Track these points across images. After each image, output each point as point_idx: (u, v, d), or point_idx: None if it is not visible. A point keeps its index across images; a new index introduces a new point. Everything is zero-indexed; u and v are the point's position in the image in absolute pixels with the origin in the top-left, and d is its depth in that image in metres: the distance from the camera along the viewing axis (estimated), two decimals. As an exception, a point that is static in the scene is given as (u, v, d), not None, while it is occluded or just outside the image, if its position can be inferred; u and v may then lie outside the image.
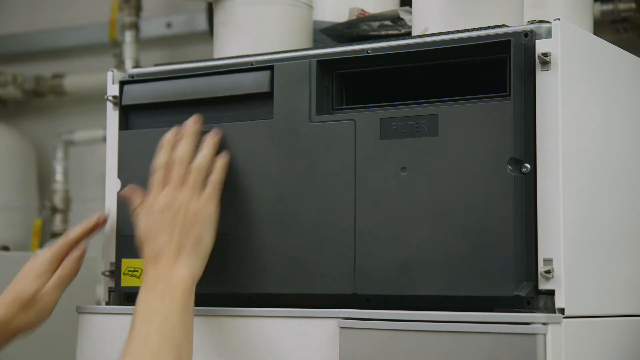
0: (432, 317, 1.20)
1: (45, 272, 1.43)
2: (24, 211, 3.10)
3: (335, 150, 1.31)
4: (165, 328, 1.22)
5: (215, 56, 1.54)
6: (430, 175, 1.25)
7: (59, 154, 3.08)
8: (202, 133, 1.41)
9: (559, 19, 1.23)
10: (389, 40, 1.34)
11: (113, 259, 1.47)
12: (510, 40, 1.22)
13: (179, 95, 1.44)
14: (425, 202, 1.25)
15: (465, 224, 1.22)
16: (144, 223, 1.32)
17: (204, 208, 1.32)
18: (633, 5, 2.16)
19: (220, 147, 1.38)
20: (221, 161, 1.36)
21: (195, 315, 1.35)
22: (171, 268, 1.28)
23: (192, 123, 1.38)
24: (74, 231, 1.46)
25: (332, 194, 1.31)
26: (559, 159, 1.21)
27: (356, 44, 1.36)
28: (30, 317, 1.41)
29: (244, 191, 1.36)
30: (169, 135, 1.38)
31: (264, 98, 1.38)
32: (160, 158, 1.36)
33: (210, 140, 1.37)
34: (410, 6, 1.44)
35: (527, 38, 1.23)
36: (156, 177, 1.35)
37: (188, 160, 1.35)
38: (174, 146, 1.37)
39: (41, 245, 2.97)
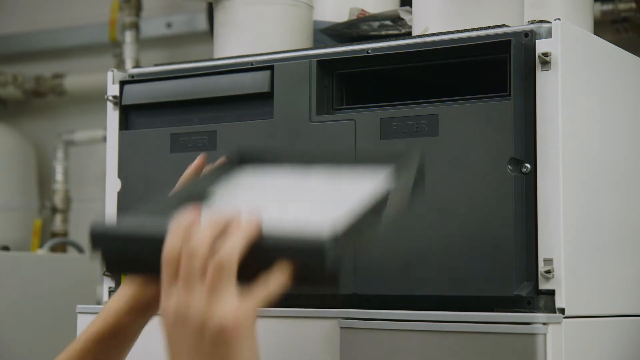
0: (432, 317, 1.20)
1: None
2: (24, 211, 3.10)
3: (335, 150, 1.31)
4: None
5: (215, 56, 1.54)
6: (430, 175, 1.25)
7: (59, 154, 3.09)
8: (202, 133, 1.41)
9: (559, 19, 1.23)
10: (389, 40, 1.34)
11: (113, 259, 1.47)
12: (510, 40, 1.22)
13: (179, 95, 1.44)
14: (425, 202, 1.25)
15: (465, 224, 1.22)
16: (165, 335, 0.94)
17: (234, 320, 0.90)
18: (633, 5, 2.16)
19: (220, 148, 1.38)
20: (282, 270, 0.92)
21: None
22: None
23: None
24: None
25: (332, 194, 1.31)
26: (559, 159, 1.21)
27: (356, 44, 1.36)
28: None
29: None
30: (184, 221, 0.94)
31: (264, 98, 1.38)
32: (171, 243, 0.93)
33: (247, 229, 0.93)
34: (410, 6, 1.44)
35: (527, 38, 1.23)
36: (164, 274, 0.94)
37: (204, 253, 0.92)
38: (187, 229, 0.93)
39: (41, 245, 2.97)
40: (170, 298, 0.92)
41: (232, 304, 0.90)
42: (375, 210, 1.01)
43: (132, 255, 0.98)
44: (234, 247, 0.91)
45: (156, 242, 0.94)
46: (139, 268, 0.99)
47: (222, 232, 0.93)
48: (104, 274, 1.49)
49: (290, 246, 0.92)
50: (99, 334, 1.11)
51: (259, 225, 0.93)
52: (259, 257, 0.93)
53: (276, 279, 0.92)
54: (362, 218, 0.97)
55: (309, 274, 0.92)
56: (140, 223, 0.99)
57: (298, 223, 0.92)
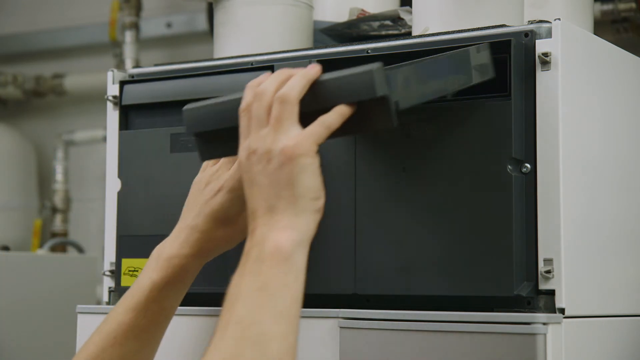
0: (432, 317, 1.20)
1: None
2: (24, 211, 3.10)
3: (335, 150, 1.30)
4: (245, 316, 0.99)
5: (215, 56, 1.54)
6: (430, 175, 1.25)
7: (59, 154, 3.09)
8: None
9: (559, 19, 1.23)
10: (389, 40, 1.34)
11: (113, 259, 1.47)
12: (510, 40, 1.22)
13: (179, 95, 1.44)
14: (425, 202, 1.25)
15: (465, 224, 1.22)
16: (242, 180, 1.09)
17: (295, 144, 1.04)
18: (633, 5, 2.16)
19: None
20: (341, 109, 1.07)
21: (196, 315, 1.35)
22: (266, 232, 1.03)
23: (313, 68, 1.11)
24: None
25: (331, 193, 1.31)
26: (559, 159, 1.21)
27: (356, 44, 1.36)
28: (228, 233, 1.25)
29: None
30: (262, 76, 1.12)
31: (264, 98, 1.38)
32: (246, 98, 1.10)
33: (307, 71, 1.09)
34: (410, 6, 1.44)
35: (527, 38, 1.23)
36: (241, 123, 1.09)
37: (271, 94, 1.07)
38: (258, 83, 1.11)
39: (41, 245, 2.98)
40: (243, 142, 1.07)
41: (294, 132, 1.05)
42: (435, 71, 1.15)
43: (219, 124, 1.15)
44: (294, 84, 1.06)
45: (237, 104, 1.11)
46: (227, 138, 1.14)
47: (287, 79, 1.08)
48: (104, 274, 1.49)
49: (345, 81, 1.07)
50: (163, 280, 1.24)
51: (317, 69, 1.08)
52: (318, 99, 1.08)
53: (333, 115, 1.06)
54: (417, 70, 1.13)
55: (363, 109, 1.07)
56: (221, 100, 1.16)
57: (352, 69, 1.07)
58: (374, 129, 1.08)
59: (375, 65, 1.06)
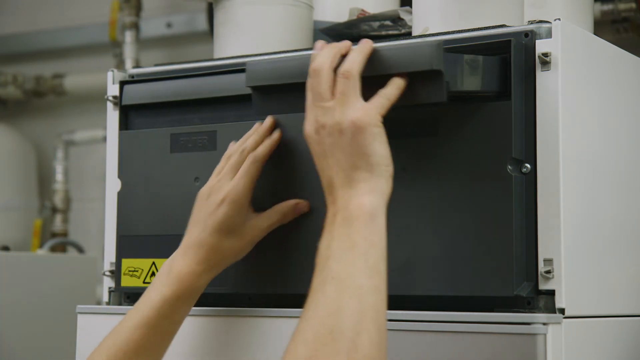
0: (432, 317, 1.20)
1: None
2: (24, 211, 3.10)
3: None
4: (340, 272, 1.05)
5: (215, 56, 1.54)
6: (430, 175, 1.25)
7: (59, 154, 3.09)
8: (202, 133, 1.41)
9: (559, 19, 1.23)
10: (389, 40, 1.34)
11: (113, 259, 1.47)
12: (510, 40, 1.22)
13: (179, 95, 1.44)
14: (425, 201, 1.25)
15: (465, 224, 1.22)
16: (312, 152, 1.15)
17: (361, 116, 1.10)
18: (633, 5, 2.16)
19: (220, 148, 1.39)
20: (398, 80, 1.15)
21: (196, 315, 1.35)
22: (347, 199, 1.09)
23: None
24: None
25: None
26: (559, 159, 1.21)
27: (356, 44, 1.36)
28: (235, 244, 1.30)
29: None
30: (316, 49, 1.17)
31: (264, 98, 1.38)
32: (309, 79, 1.16)
33: (362, 46, 1.16)
34: (411, 6, 1.44)
35: (527, 38, 1.23)
36: (307, 100, 1.15)
37: (328, 68, 1.14)
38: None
39: (41, 245, 2.98)
40: (309, 116, 1.13)
41: (359, 104, 1.11)
42: (477, 69, 1.20)
43: (279, 79, 1.24)
44: (355, 59, 1.13)
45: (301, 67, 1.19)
46: (284, 94, 1.24)
47: (338, 53, 1.15)
48: (104, 274, 1.49)
49: (401, 54, 1.16)
50: (174, 295, 1.27)
51: (371, 43, 1.16)
52: (375, 67, 1.16)
53: (391, 88, 1.14)
54: (466, 60, 1.19)
55: (417, 81, 1.16)
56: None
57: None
58: (426, 102, 1.16)
59: (436, 41, 1.17)
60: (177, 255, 1.29)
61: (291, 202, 1.32)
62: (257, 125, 1.34)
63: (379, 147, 1.11)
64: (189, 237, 1.30)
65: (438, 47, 1.15)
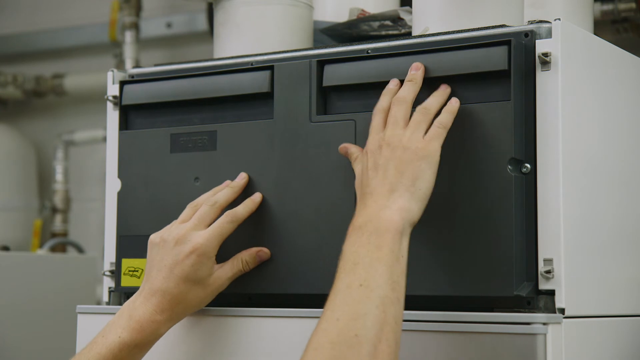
0: (432, 317, 1.20)
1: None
2: (24, 211, 3.10)
3: (335, 150, 1.30)
4: (368, 279, 1.10)
5: (215, 56, 1.54)
6: (430, 175, 1.25)
7: (59, 154, 3.09)
8: (202, 133, 1.41)
9: (559, 19, 1.23)
10: (389, 40, 1.34)
11: (113, 259, 1.47)
12: (510, 40, 1.22)
13: (179, 95, 1.44)
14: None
15: (465, 224, 1.22)
16: (364, 164, 1.22)
17: (426, 146, 1.19)
18: (633, 5, 2.16)
19: (220, 148, 1.39)
20: (452, 105, 1.23)
21: (195, 315, 1.35)
22: (381, 209, 1.15)
23: (418, 69, 1.27)
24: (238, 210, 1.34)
25: (332, 193, 1.31)
26: (559, 159, 1.21)
27: (356, 44, 1.36)
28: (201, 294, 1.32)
29: (244, 191, 1.36)
30: (391, 85, 1.28)
31: (264, 98, 1.38)
32: (382, 102, 1.26)
33: (442, 91, 1.26)
34: (411, 6, 1.44)
35: (527, 38, 1.23)
36: (375, 121, 1.24)
37: (410, 101, 1.24)
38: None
39: (41, 245, 2.98)
40: (379, 135, 1.22)
41: (425, 135, 1.20)
42: None
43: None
44: (434, 101, 1.24)
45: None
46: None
47: (415, 89, 1.25)
48: (104, 274, 1.49)
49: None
50: (134, 342, 1.28)
51: (454, 100, 1.25)
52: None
53: (446, 115, 1.23)
54: None
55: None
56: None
57: None
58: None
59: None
60: (139, 299, 1.30)
61: (253, 250, 1.34)
62: (227, 181, 1.36)
63: (430, 176, 1.18)
64: (152, 282, 1.31)
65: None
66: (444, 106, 1.24)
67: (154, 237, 1.33)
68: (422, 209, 1.17)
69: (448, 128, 1.22)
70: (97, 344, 1.28)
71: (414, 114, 1.23)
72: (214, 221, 1.32)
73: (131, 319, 1.29)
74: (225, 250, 1.33)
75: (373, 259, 1.12)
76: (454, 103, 1.23)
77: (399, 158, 1.18)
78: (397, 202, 1.16)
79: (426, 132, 1.21)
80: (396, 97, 1.25)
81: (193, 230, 1.31)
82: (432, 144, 1.19)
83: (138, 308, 1.29)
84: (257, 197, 1.35)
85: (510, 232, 1.20)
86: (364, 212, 1.16)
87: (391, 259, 1.12)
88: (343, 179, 1.30)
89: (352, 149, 1.27)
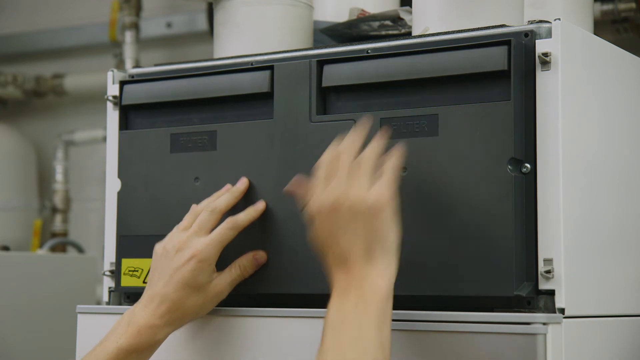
0: (432, 317, 1.20)
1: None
2: (24, 211, 3.10)
3: (335, 150, 1.30)
4: (359, 342, 1.12)
5: (215, 56, 1.54)
6: (430, 175, 1.25)
7: (59, 154, 3.09)
8: (202, 133, 1.41)
9: (559, 19, 1.23)
10: (389, 40, 1.34)
11: (113, 259, 1.47)
12: (510, 40, 1.22)
13: (179, 95, 1.44)
14: (426, 202, 1.25)
15: (465, 224, 1.22)
16: (318, 225, 1.19)
17: (380, 197, 1.17)
18: (633, 5, 2.16)
19: (220, 148, 1.39)
20: (398, 149, 1.23)
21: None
22: (364, 274, 1.15)
23: (364, 124, 1.26)
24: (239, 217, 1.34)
25: (332, 194, 1.31)
26: (559, 159, 1.21)
27: (356, 44, 1.36)
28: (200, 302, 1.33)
29: (245, 194, 1.36)
30: (337, 140, 1.26)
31: (264, 98, 1.38)
32: (326, 155, 1.23)
33: (382, 135, 1.24)
34: (411, 6, 1.44)
35: (527, 38, 1.23)
36: (319, 174, 1.22)
37: (355, 151, 1.22)
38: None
39: (41, 245, 2.98)
40: (330, 192, 1.18)
41: (378, 186, 1.17)
42: None
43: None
44: (375, 147, 1.22)
45: None
46: None
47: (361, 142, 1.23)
48: (104, 274, 1.49)
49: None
50: (131, 348, 1.28)
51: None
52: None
53: (396, 158, 1.21)
54: None
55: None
56: None
57: None
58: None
59: None
60: (139, 306, 1.31)
61: (249, 255, 1.34)
62: (228, 185, 1.36)
63: (393, 230, 1.17)
64: (152, 288, 1.31)
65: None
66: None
67: (157, 248, 1.33)
68: (397, 260, 1.18)
69: (398, 170, 1.21)
70: (96, 352, 1.29)
71: (359, 165, 1.20)
72: (214, 227, 1.32)
73: (129, 325, 1.29)
74: (225, 255, 1.33)
75: (363, 322, 1.13)
76: (400, 147, 1.23)
77: (363, 219, 1.16)
78: (378, 266, 1.16)
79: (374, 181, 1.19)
80: (343, 149, 1.22)
81: (193, 237, 1.31)
82: (386, 194, 1.18)
83: (137, 314, 1.30)
84: (260, 206, 1.34)
85: (510, 232, 1.20)
86: (343, 277, 1.16)
87: (379, 322, 1.14)
88: (343, 179, 1.30)
89: (301, 192, 1.25)
